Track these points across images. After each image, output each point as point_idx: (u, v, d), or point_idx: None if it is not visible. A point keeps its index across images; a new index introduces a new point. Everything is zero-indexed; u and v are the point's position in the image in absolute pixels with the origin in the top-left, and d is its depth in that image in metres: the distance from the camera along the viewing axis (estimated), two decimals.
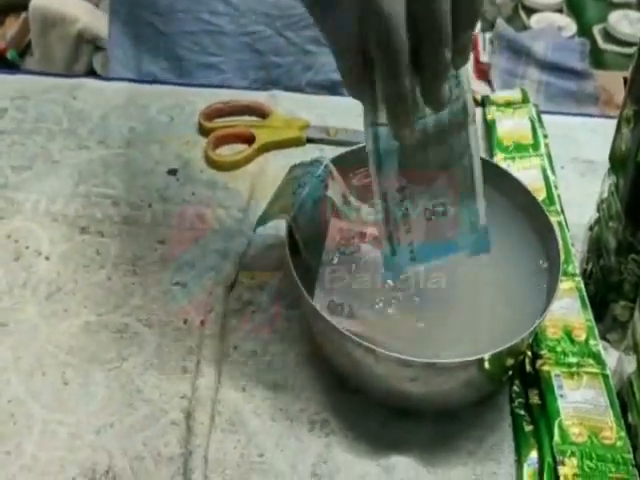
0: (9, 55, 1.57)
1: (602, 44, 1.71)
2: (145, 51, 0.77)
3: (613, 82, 1.48)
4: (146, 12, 0.74)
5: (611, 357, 0.48)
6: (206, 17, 0.73)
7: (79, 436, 0.45)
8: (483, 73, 1.47)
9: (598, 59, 1.67)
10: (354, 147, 0.53)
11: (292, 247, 0.47)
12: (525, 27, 1.63)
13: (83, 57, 1.32)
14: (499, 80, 1.44)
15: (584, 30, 1.70)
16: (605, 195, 0.51)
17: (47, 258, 0.56)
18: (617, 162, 0.49)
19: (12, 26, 1.60)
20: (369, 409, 0.46)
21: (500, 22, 1.59)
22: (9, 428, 0.45)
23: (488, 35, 1.55)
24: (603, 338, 0.49)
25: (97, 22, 1.28)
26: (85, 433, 0.45)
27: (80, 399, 0.47)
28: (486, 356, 0.41)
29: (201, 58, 0.75)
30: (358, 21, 0.36)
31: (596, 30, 1.73)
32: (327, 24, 0.39)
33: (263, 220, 0.48)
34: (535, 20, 1.66)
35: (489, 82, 1.45)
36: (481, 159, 0.52)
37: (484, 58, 1.49)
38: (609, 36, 1.71)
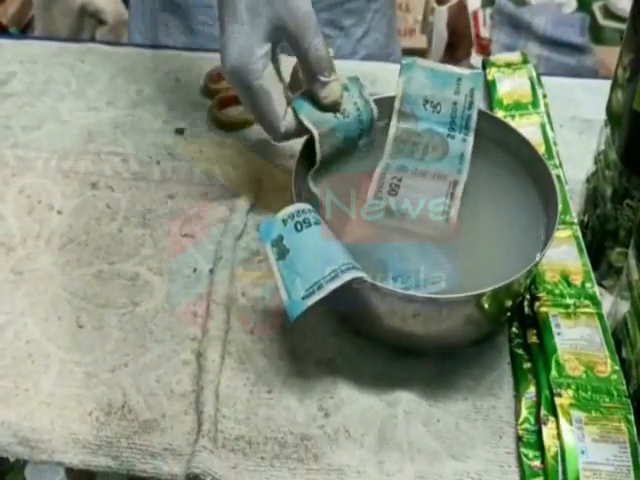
0: (11, 32, 1.58)
1: (602, 20, 1.72)
2: (162, 24, 0.77)
3: (613, 57, 1.49)
4: None
5: (606, 302, 0.50)
6: None
7: (95, 375, 0.47)
8: (483, 48, 1.49)
9: (598, 35, 1.68)
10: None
11: (298, 196, 0.49)
12: (525, 3, 1.64)
13: (85, 31, 1.33)
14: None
15: (584, 6, 1.71)
16: (602, 147, 0.53)
17: (59, 212, 0.57)
18: (614, 113, 0.50)
19: (13, 3, 1.61)
20: (373, 349, 0.48)
21: None
22: (27, 367, 0.47)
23: (488, 10, 1.56)
24: (599, 284, 0.51)
25: None
26: (100, 372, 0.47)
27: (95, 341, 0.49)
28: (484, 292, 0.43)
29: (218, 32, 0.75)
30: None
31: (596, 6, 1.74)
32: None
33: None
34: None
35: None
36: (484, 113, 0.54)
37: (484, 33, 1.50)
38: (609, 12, 1.72)
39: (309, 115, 0.50)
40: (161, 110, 0.66)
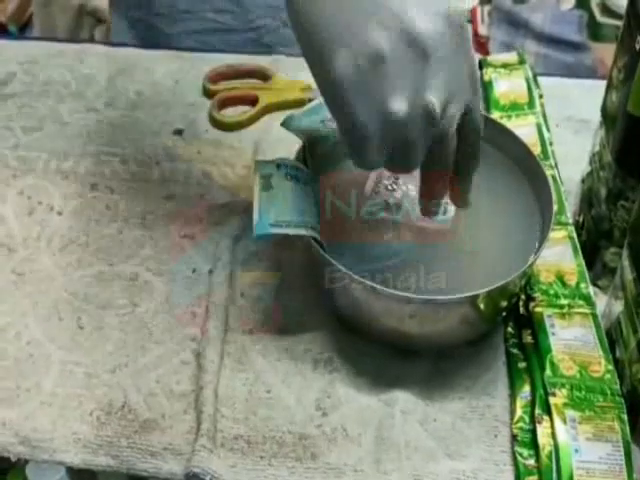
0: (9, 30, 1.58)
1: (600, 17, 1.72)
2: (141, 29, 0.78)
3: (611, 54, 1.49)
4: (146, 15, 0.74)
5: (601, 302, 0.50)
6: (210, 15, 0.72)
7: (95, 375, 0.47)
8: (481, 46, 1.48)
9: (596, 32, 1.68)
10: None
11: None
12: (523, 0, 1.64)
13: (84, 30, 1.33)
14: (497, 53, 1.45)
15: (582, 4, 1.71)
16: (597, 148, 0.53)
17: (59, 213, 0.58)
18: (608, 114, 0.51)
19: (12, 1, 1.61)
20: (371, 349, 0.48)
21: None
22: (28, 367, 0.48)
23: (486, 8, 1.56)
24: (594, 284, 0.52)
25: None
26: (101, 372, 0.48)
27: (95, 342, 0.49)
28: (480, 294, 0.43)
29: None
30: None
31: (594, 3, 1.74)
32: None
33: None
34: None
35: (487, 55, 1.46)
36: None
37: (482, 31, 1.50)
38: (607, 9, 1.71)
39: (298, 125, 0.50)
40: (160, 111, 0.66)
